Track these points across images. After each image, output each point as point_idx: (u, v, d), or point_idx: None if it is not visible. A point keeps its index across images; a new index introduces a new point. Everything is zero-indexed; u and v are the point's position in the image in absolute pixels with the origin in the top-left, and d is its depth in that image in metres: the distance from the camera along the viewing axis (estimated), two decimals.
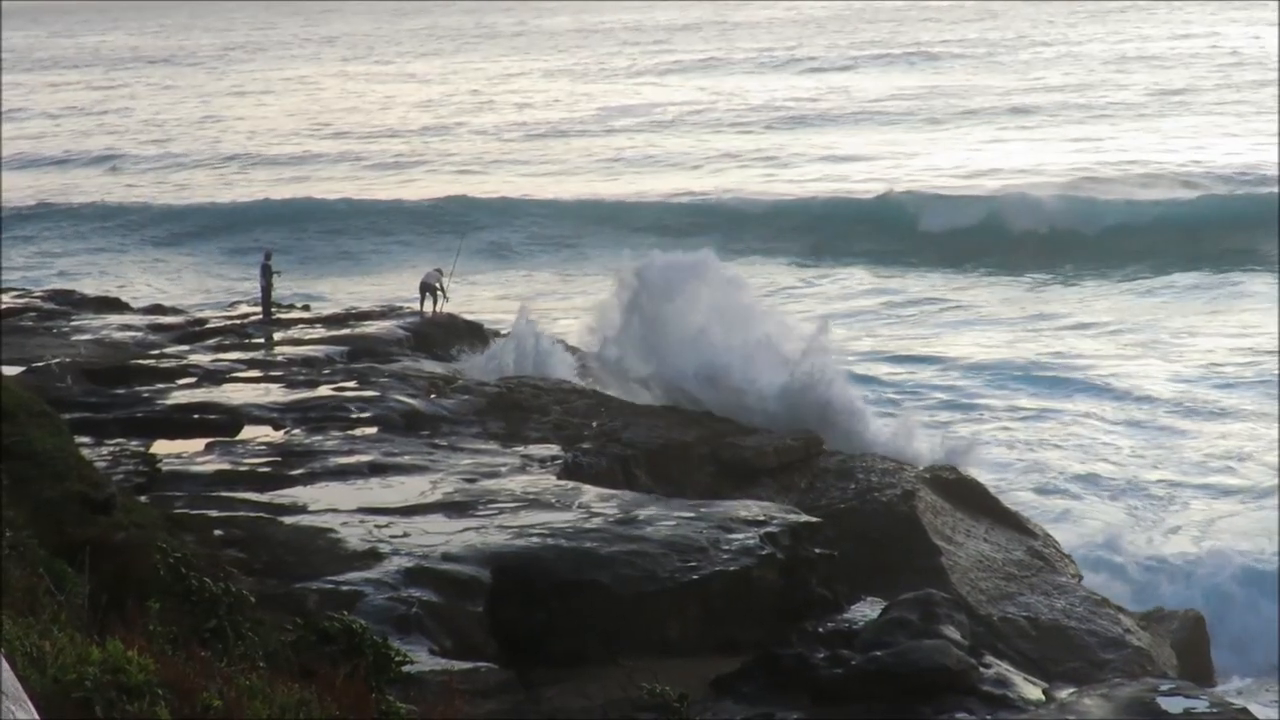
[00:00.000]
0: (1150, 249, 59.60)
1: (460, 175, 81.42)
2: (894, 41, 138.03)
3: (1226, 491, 33.56)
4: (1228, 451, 35.78)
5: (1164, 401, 39.68)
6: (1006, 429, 37.87)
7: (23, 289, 44.84)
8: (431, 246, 57.93)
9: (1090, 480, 34.00)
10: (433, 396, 31.34)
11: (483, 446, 28.29)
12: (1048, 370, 42.93)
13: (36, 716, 6.83)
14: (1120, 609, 25.99)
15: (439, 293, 39.04)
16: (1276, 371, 41.13)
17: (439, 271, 39.82)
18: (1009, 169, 73.55)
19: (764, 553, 22.80)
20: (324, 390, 31.20)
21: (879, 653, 20.09)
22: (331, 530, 22.66)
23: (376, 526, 22.96)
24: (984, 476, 30.32)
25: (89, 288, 50.36)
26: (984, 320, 50.86)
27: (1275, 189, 63.60)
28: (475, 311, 44.11)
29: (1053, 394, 40.57)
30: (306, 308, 41.95)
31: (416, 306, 39.58)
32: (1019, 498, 31.79)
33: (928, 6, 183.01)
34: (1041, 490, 33.55)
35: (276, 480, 25.39)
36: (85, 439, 25.46)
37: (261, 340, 36.53)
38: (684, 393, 33.55)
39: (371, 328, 37.45)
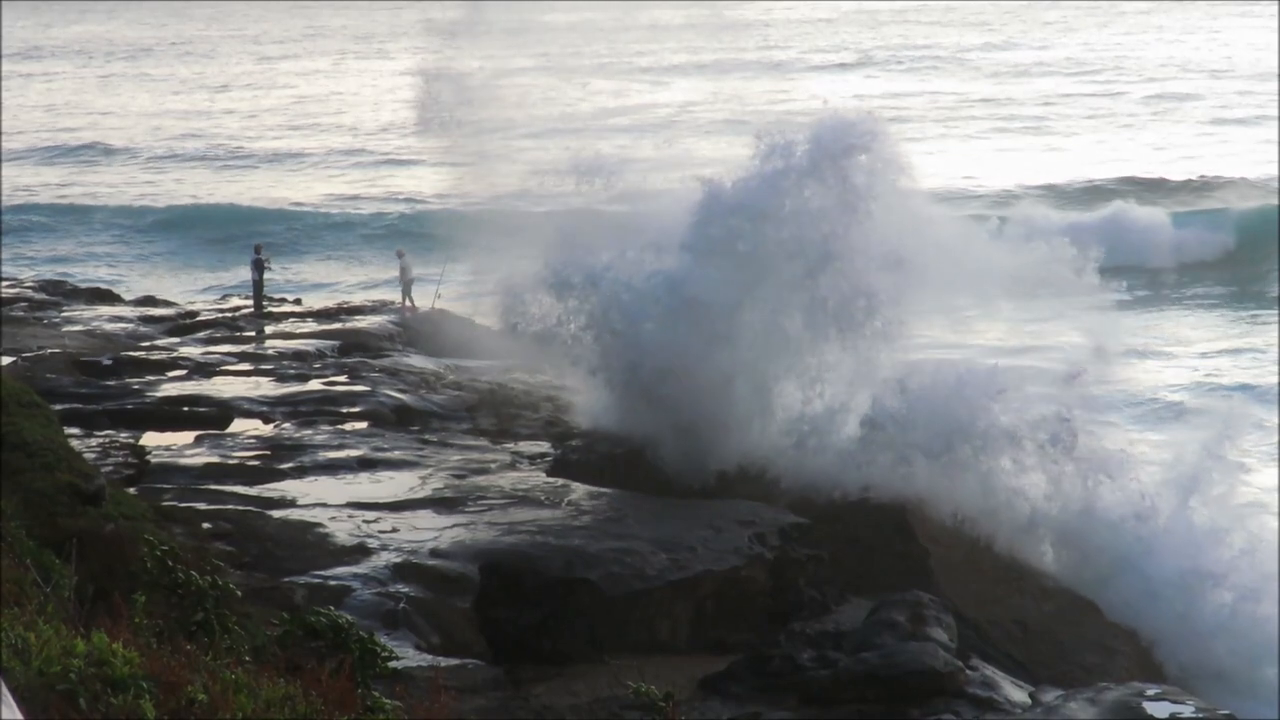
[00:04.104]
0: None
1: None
2: (887, 46, 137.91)
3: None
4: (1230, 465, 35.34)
5: (1166, 409, 39.36)
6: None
7: (14, 279, 44.74)
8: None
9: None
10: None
11: (473, 442, 28.30)
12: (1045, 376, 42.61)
13: (19, 715, 6.80)
14: (1111, 621, 25.79)
15: (414, 281, 39.17)
16: (1276, 382, 40.94)
17: (403, 255, 39.75)
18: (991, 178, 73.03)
19: (752, 553, 22.81)
20: (314, 384, 31.21)
21: (866, 654, 20.09)
22: (320, 525, 22.68)
23: (365, 521, 22.98)
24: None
25: (80, 279, 50.23)
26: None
27: (1275, 200, 63.34)
28: None
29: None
30: (298, 301, 41.97)
31: (400, 301, 39.61)
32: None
33: (917, 10, 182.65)
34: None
35: (266, 474, 25.41)
36: (74, 430, 25.44)
37: (252, 333, 36.52)
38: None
39: (363, 322, 37.49)
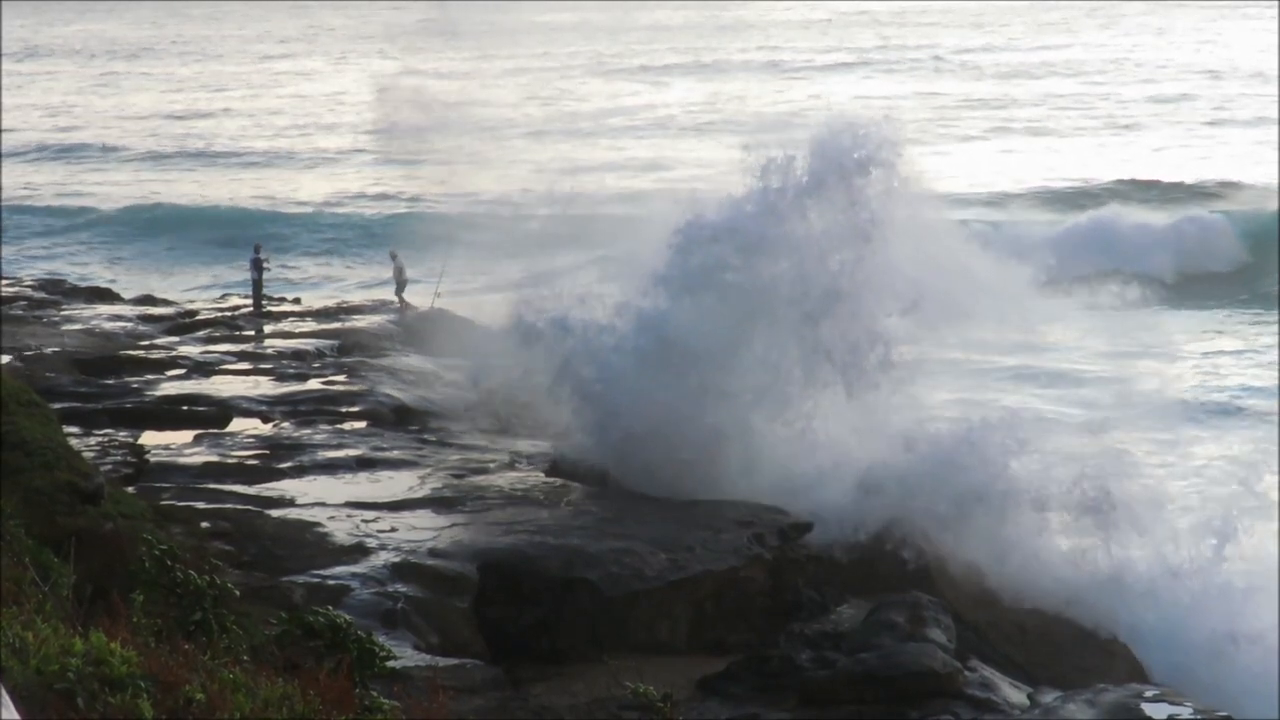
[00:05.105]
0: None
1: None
2: (887, 46, 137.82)
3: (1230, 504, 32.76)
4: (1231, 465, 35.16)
5: (1169, 409, 39.11)
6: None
7: (13, 278, 44.71)
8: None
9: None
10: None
11: (471, 442, 28.31)
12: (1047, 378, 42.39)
13: (17, 715, 6.79)
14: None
15: (407, 281, 39.25)
16: (1277, 383, 40.81)
17: (396, 256, 39.92)
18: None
19: (751, 553, 22.78)
20: (313, 384, 31.22)
21: (865, 655, 20.09)
22: (319, 524, 22.69)
23: (364, 521, 22.98)
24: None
25: (79, 278, 50.19)
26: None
27: (1275, 202, 63.24)
28: None
29: (1046, 399, 40.23)
30: (297, 300, 41.97)
31: (396, 301, 39.68)
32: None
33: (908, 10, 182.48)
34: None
35: (264, 473, 25.42)
36: (74, 429, 25.44)
37: (252, 333, 36.53)
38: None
39: (362, 322, 37.50)
